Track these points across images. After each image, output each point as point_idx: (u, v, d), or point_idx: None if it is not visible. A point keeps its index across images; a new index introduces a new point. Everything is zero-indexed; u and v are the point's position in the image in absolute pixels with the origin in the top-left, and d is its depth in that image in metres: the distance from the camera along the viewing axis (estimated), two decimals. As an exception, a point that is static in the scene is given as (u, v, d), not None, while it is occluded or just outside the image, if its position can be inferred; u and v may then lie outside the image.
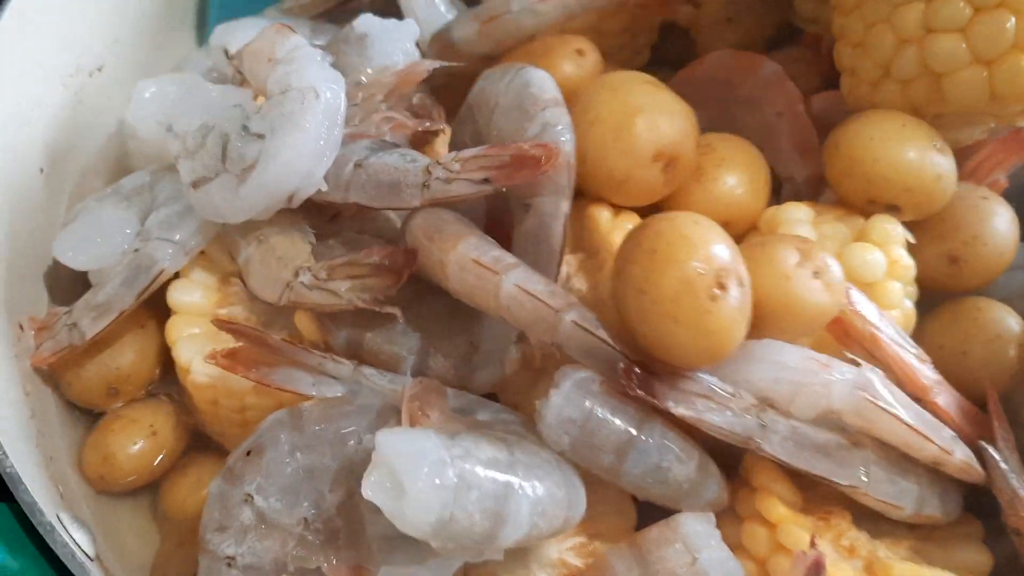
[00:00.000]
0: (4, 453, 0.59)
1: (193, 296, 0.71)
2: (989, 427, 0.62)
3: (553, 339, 0.57)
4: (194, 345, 0.68)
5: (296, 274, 0.64)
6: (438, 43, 0.81)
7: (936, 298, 0.70)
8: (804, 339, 0.61)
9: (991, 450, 0.60)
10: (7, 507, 0.59)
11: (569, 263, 0.67)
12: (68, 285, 0.76)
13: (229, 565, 0.56)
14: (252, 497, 0.56)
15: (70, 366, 0.71)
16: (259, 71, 0.68)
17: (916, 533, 0.60)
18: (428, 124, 0.72)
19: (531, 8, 0.77)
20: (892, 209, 0.68)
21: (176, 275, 0.71)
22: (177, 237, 0.71)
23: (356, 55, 0.76)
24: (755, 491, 0.59)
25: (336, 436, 0.58)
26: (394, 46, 0.76)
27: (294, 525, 0.56)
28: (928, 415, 0.60)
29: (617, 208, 0.69)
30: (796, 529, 0.56)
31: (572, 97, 0.67)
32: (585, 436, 0.56)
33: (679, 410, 0.55)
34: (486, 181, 0.61)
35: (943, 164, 0.68)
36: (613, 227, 0.67)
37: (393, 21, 0.78)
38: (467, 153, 0.62)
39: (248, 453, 0.57)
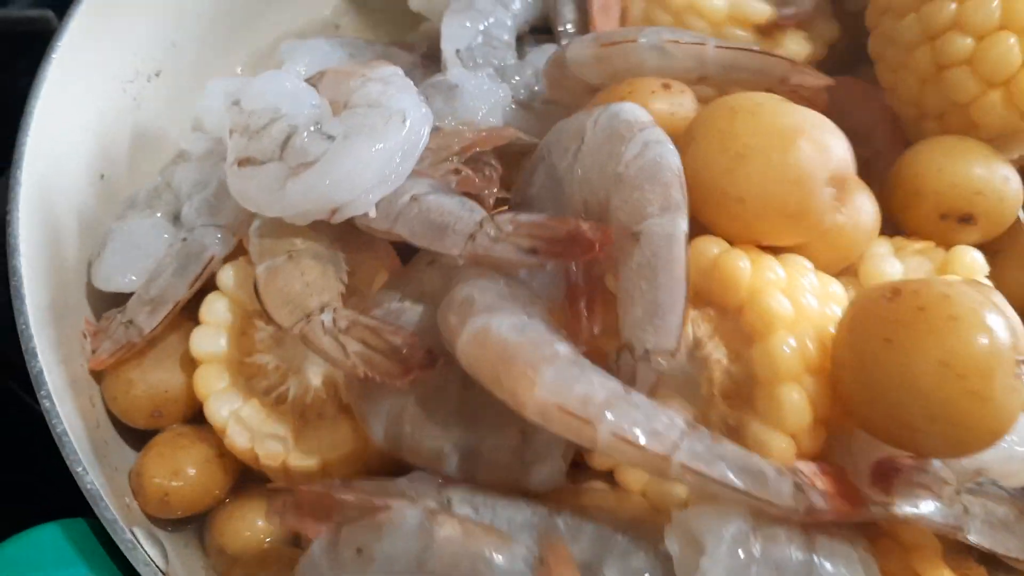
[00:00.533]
0: (84, 469, 0.59)
1: (218, 344, 0.68)
2: None
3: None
4: (227, 403, 0.66)
5: (321, 310, 0.61)
6: (553, 65, 0.75)
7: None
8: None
9: None
10: (86, 523, 0.60)
11: (696, 321, 0.59)
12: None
13: None
14: None
15: (120, 381, 0.70)
16: (341, 92, 0.66)
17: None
18: (495, 191, 0.66)
19: (660, 45, 0.69)
20: (966, 220, 0.68)
21: (198, 322, 0.69)
22: (222, 221, 0.71)
23: (443, 102, 0.74)
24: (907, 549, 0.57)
25: None
26: (483, 103, 0.75)
27: None
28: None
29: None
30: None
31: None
32: None
33: (905, 509, 0.52)
34: (533, 251, 0.57)
35: (1008, 170, 0.68)
36: (758, 277, 0.57)
37: (487, 80, 0.77)
38: (523, 218, 0.58)
39: (359, 551, 0.51)
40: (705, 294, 0.59)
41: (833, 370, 0.56)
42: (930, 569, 0.55)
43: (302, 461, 0.65)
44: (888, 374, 0.51)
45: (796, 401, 0.55)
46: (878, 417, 0.53)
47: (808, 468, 0.52)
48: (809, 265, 0.61)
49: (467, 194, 0.64)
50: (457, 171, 0.65)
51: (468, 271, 0.59)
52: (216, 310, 0.69)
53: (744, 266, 0.58)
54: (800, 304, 0.57)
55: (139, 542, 0.59)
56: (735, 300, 0.58)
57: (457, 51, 0.80)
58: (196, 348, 0.68)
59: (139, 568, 0.57)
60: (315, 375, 0.67)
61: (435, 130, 0.66)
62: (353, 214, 0.62)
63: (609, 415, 0.50)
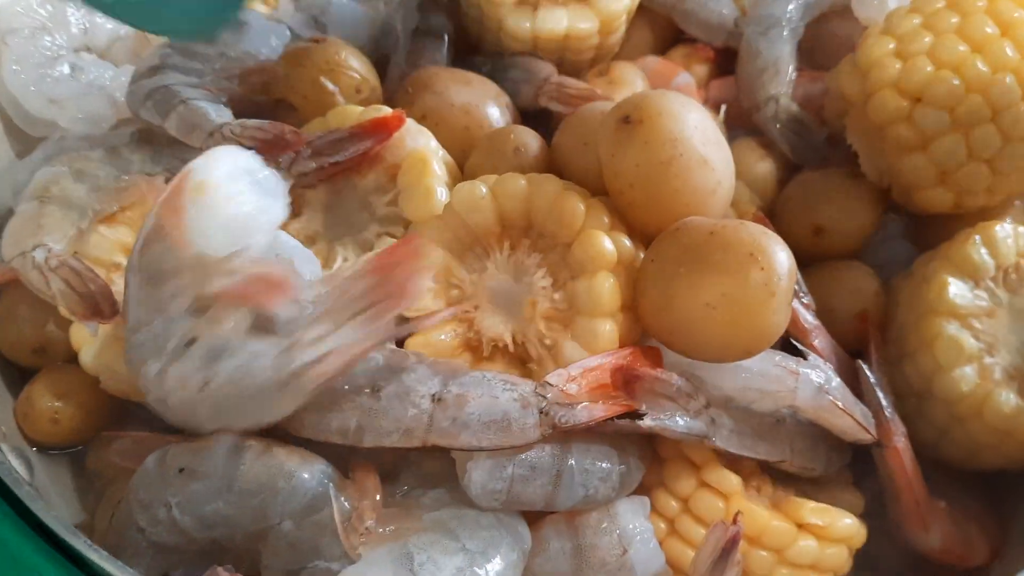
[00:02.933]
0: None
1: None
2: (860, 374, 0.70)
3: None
4: (99, 352, 0.69)
5: (35, 248, 0.68)
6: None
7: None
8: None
9: (865, 368, 0.70)
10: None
11: (527, 249, 0.67)
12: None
13: (139, 531, 0.59)
14: (171, 507, 0.57)
15: (7, 316, 0.73)
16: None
17: (802, 479, 0.69)
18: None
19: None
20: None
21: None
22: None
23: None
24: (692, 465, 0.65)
25: (261, 509, 0.57)
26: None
27: (201, 539, 0.58)
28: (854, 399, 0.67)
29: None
30: (724, 472, 0.63)
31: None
32: (513, 498, 0.59)
33: (645, 423, 0.59)
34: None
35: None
36: (590, 219, 0.65)
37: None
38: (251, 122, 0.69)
39: (181, 470, 0.58)
40: (539, 226, 0.66)
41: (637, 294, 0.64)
42: (714, 473, 0.64)
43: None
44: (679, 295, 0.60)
45: (608, 332, 0.63)
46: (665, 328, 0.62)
47: (559, 376, 0.61)
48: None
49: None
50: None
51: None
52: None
53: (581, 208, 0.65)
54: (623, 246, 0.65)
55: (4, 454, 0.62)
56: (567, 236, 0.65)
57: None
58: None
59: (3, 477, 0.60)
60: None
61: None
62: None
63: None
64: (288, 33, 0.84)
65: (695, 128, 0.64)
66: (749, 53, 0.88)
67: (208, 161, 0.60)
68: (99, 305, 0.66)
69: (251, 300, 0.59)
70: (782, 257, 0.60)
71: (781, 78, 0.86)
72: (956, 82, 0.71)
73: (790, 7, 0.88)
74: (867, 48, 0.76)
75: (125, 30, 0.87)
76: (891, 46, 0.74)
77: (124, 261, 0.69)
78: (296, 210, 0.73)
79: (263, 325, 0.59)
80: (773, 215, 0.79)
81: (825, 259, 0.78)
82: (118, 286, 0.67)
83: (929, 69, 0.72)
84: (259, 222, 0.60)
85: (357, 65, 0.81)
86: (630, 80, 0.86)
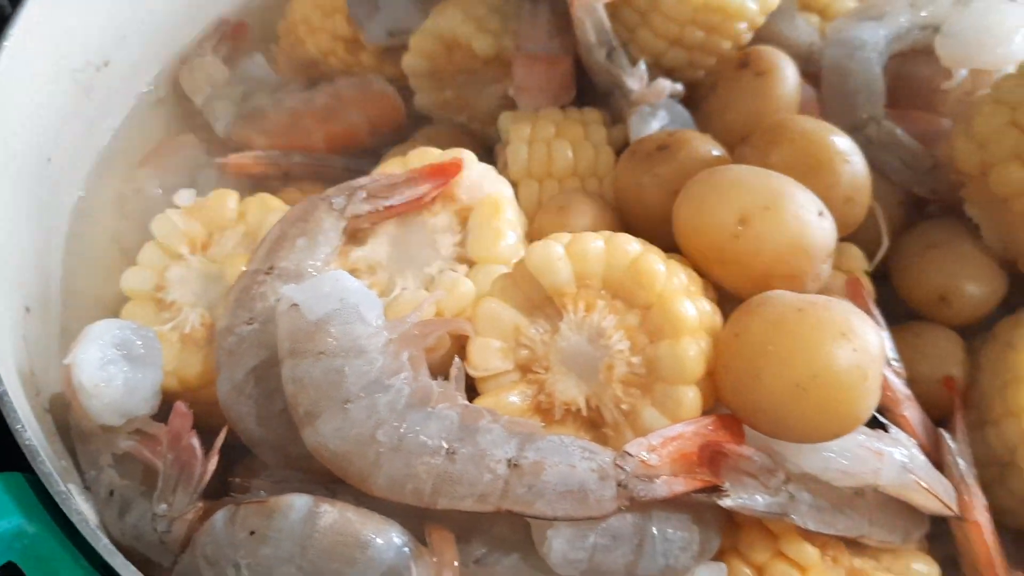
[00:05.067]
0: (23, 426, 0.62)
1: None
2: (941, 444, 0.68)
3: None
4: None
5: None
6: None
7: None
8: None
9: (948, 439, 0.68)
10: (23, 477, 0.62)
11: (603, 312, 0.64)
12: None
13: None
14: (239, 567, 0.57)
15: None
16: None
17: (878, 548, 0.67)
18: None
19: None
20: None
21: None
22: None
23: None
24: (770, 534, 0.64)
25: None
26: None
27: None
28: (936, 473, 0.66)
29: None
30: (801, 543, 0.62)
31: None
32: (594, 567, 0.58)
33: (726, 503, 0.58)
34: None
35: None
36: (670, 281, 0.63)
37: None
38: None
39: (252, 533, 0.57)
40: (616, 288, 0.64)
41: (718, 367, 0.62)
42: (791, 544, 0.63)
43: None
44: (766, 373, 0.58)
45: (692, 400, 0.62)
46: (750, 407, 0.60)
47: (639, 446, 0.59)
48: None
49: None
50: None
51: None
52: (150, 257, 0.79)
53: (660, 269, 0.63)
54: (703, 310, 0.63)
55: (72, 494, 0.62)
56: (645, 299, 0.63)
57: None
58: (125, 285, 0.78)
59: (72, 517, 0.60)
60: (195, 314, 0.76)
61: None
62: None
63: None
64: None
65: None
66: (838, 73, 0.84)
67: (79, 359, 0.65)
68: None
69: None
70: (873, 338, 0.58)
71: (876, 99, 0.82)
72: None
73: (881, 32, 0.84)
74: (983, 119, 0.73)
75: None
76: (1007, 116, 0.71)
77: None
78: (361, 239, 0.73)
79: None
80: (886, 273, 0.78)
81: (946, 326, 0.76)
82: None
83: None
84: (136, 393, 0.67)
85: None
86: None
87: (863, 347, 0.57)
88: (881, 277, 0.78)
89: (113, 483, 0.67)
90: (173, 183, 0.88)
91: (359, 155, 0.92)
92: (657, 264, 0.63)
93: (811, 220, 0.64)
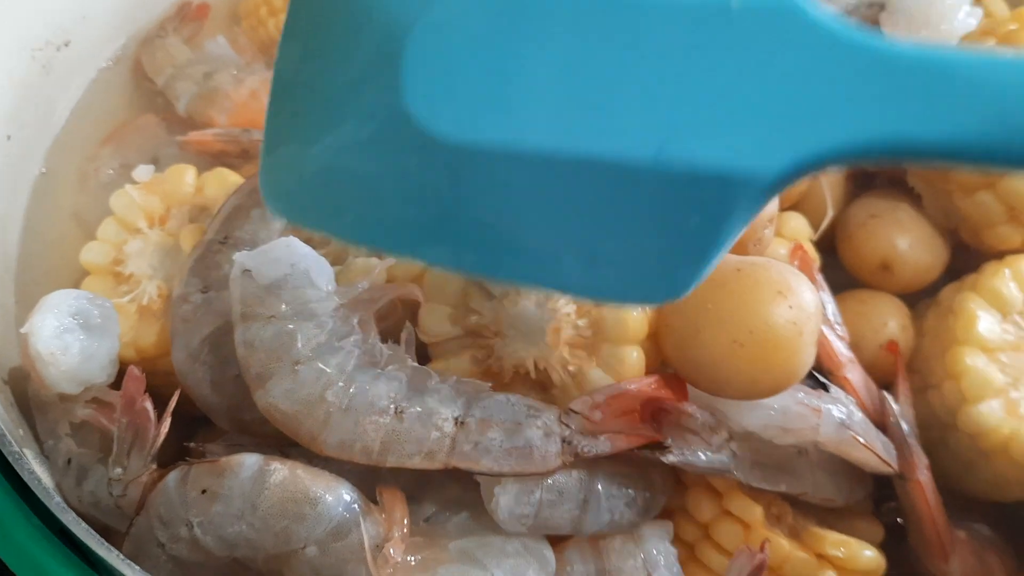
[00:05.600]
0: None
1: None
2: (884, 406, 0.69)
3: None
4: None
5: None
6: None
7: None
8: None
9: (890, 400, 0.69)
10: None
11: None
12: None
13: (159, 546, 0.59)
14: (192, 526, 0.58)
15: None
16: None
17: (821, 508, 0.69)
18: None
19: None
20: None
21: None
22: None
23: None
24: (715, 492, 0.65)
25: (284, 534, 0.57)
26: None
27: (223, 557, 0.59)
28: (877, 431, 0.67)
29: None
30: (746, 500, 0.63)
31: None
32: (540, 522, 0.60)
33: (669, 459, 0.60)
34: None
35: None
36: None
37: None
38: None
39: (203, 491, 0.58)
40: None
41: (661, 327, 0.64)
42: (736, 501, 0.64)
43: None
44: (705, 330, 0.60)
45: (636, 359, 0.64)
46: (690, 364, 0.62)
47: (583, 404, 0.61)
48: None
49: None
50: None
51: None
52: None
53: None
54: None
55: (26, 457, 0.63)
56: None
57: None
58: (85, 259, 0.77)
59: (24, 476, 0.61)
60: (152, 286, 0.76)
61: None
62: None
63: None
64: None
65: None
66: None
67: (35, 328, 0.66)
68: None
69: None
70: (809, 296, 0.59)
71: None
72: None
73: (829, 9, 0.85)
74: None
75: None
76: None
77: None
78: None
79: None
80: (833, 241, 0.79)
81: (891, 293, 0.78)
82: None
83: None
84: (92, 361, 0.67)
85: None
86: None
87: (799, 304, 0.58)
88: (829, 249, 0.80)
89: (71, 451, 0.67)
90: (135, 160, 0.87)
91: (316, 132, 0.93)
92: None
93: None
